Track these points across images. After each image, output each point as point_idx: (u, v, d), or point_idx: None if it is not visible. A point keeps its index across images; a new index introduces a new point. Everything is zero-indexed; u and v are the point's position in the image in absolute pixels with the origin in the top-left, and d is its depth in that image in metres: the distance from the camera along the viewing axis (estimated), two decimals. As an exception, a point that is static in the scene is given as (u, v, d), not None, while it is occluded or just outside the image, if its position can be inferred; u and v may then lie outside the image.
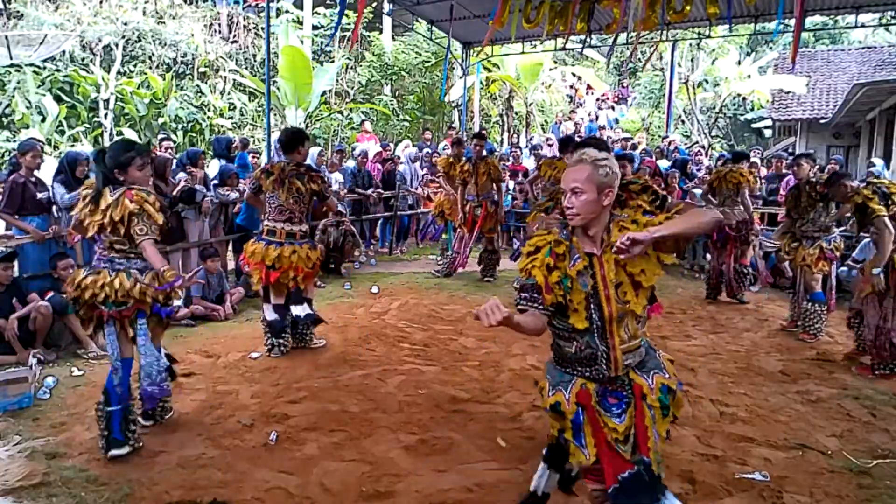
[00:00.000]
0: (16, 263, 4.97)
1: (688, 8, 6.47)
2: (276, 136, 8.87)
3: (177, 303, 5.78)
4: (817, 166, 6.43)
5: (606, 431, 2.07)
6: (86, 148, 10.73)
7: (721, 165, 7.07)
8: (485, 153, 7.59)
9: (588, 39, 9.72)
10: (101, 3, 14.84)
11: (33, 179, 5.29)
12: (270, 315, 4.73)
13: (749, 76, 16.99)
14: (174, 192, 6.10)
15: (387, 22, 16.08)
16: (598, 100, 20.31)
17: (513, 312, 1.90)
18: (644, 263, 2.02)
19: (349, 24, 13.73)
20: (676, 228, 1.97)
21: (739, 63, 17.49)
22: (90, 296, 3.07)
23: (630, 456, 2.05)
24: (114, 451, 3.11)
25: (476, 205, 7.45)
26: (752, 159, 9.38)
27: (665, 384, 2.11)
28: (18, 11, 13.77)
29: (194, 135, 13.68)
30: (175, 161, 6.85)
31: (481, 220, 7.46)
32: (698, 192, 8.83)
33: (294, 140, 4.52)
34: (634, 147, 12.14)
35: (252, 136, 13.51)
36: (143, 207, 3.04)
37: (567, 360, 2.13)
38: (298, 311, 4.78)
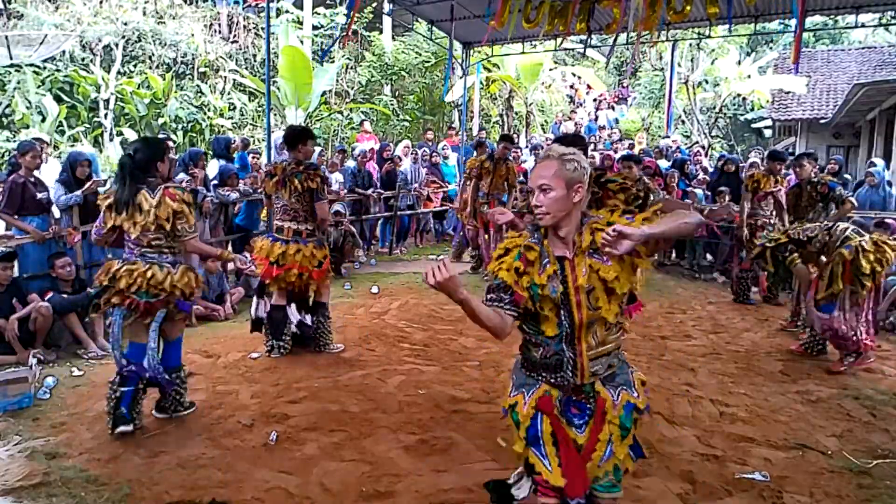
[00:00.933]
0: (16, 263, 4.98)
1: (688, 8, 6.48)
2: (276, 135, 8.88)
3: None
4: (817, 166, 6.41)
5: (570, 440, 1.99)
6: (86, 148, 10.73)
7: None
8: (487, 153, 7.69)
9: (588, 39, 9.73)
10: (101, 3, 14.83)
11: (33, 179, 5.28)
12: (259, 311, 4.73)
13: (749, 76, 16.98)
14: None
15: (387, 22, 16.07)
16: (596, 100, 20.30)
17: (471, 297, 1.83)
18: (619, 269, 1.93)
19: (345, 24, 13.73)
20: (665, 228, 1.89)
21: (739, 63, 17.48)
22: (125, 284, 3.22)
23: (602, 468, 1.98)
24: (121, 428, 3.28)
25: (484, 202, 7.57)
26: (752, 159, 9.39)
27: (631, 402, 2.01)
28: (18, 11, 13.76)
29: (194, 135, 13.67)
30: (176, 161, 6.85)
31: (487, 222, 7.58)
32: (699, 192, 8.83)
33: (296, 137, 4.52)
34: (632, 147, 12.16)
35: (252, 136, 13.51)
36: (183, 208, 3.27)
37: (533, 365, 2.05)
38: (308, 318, 4.76)
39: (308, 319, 4.75)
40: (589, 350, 1.97)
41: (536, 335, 2.02)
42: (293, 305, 4.71)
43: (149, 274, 3.23)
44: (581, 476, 1.96)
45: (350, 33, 11.56)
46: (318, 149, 9.66)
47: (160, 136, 8.80)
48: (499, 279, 1.99)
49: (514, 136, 16.04)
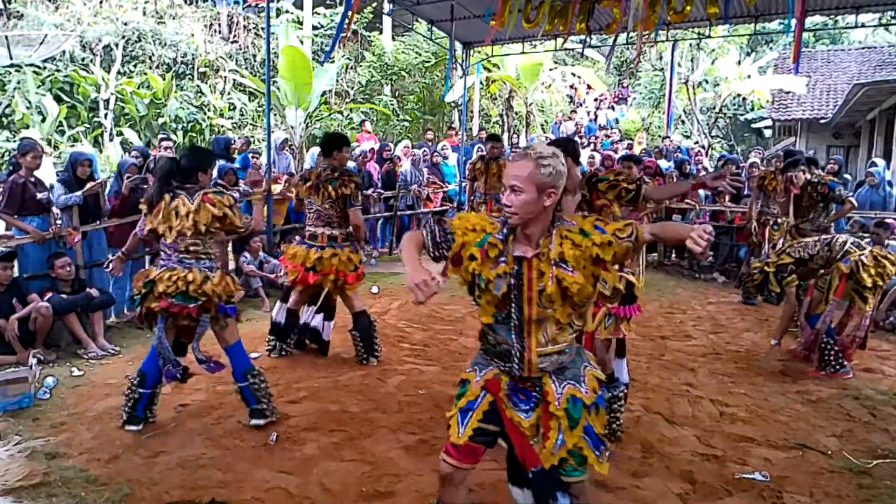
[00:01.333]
0: (16, 263, 4.98)
1: (688, 8, 6.47)
2: (276, 136, 8.88)
3: None
4: (819, 170, 6.41)
5: (515, 424, 2.09)
6: (86, 148, 10.73)
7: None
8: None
9: (588, 39, 9.72)
10: (101, 3, 14.83)
11: (33, 180, 5.28)
12: (279, 316, 4.70)
13: (749, 76, 16.98)
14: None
15: (387, 22, 16.08)
16: (597, 100, 20.31)
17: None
18: (583, 281, 1.96)
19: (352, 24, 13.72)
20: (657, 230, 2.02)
21: (739, 63, 17.48)
22: (163, 288, 3.23)
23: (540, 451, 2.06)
24: (131, 427, 3.42)
25: (481, 202, 7.70)
26: (752, 159, 9.39)
27: (577, 396, 2.05)
28: (18, 11, 13.76)
29: (194, 135, 13.67)
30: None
31: None
32: (700, 192, 8.83)
33: (330, 144, 4.47)
34: (631, 147, 12.16)
35: (252, 136, 13.50)
36: (225, 212, 3.29)
37: (487, 350, 2.15)
38: (328, 326, 4.78)
39: (329, 328, 4.77)
40: (538, 346, 2.03)
41: (485, 324, 2.11)
42: (311, 309, 4.71)
43: (189, 277, 3.24)
44: (530, 451, 2.08)
45: (350, 33, 11.54)
46: (317, 149, 9.65)
47: (160, 136, 8.77)
48: (452, 234, 2.06)
49: (514, 136, 16.09)
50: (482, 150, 8.05)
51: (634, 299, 3.36)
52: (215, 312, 3.39)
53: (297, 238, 4.73)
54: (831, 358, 4.54)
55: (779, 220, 6.37)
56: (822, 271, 4.70)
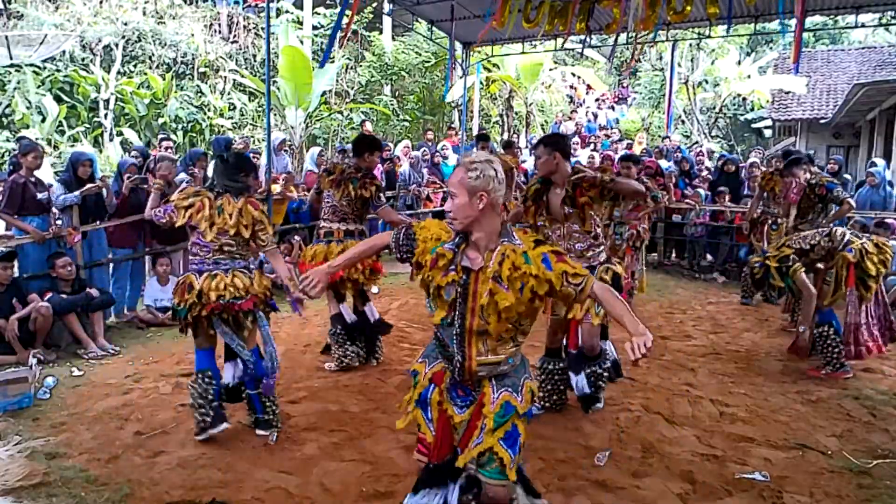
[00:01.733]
0: (15, 263, 4.98)
1: (688, 8, 6.47)
2: (276, 136, 8.89)
3: None
4: (815, 167, 6.40)
5: (447, 416, 2.18)
6: (86, 148, 10.73)
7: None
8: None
9: (588, 39, 9.73)
10: (101, 3, 14.83)
11: (33, 180, 5.28)
12: (350, 316, 4.61)
13: (749, 76, 16.98)
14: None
15: (387, 22, 16.07)
16: (598, 100, 20.31)
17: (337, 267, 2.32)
18: (514, 300, 2.00)
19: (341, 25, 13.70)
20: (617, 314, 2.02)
21: (739, 63, 17.48)
22: (216, 297, 3.21)
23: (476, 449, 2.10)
24: (259, 431, 3.42)
25: None
26: (752, 159, 9.38)
27: (511, 403, 2.10)
28: (18, 11, 13.76)
29: (194, 135, 13.67)
30: (179, 162, 6.84)
31: None
32: (701, 192, 8.83)
33: (363, 144, 4.51)
34: (630, 147, 12.13)
35: (252, 136, 13.50)
36: (263, 217, 3.34)
37: (436, 345, 2.24)
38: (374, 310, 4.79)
39: (374, 312, 4.79)
40: (478, 355, 2.09)
41: (435, 325, 2.19)
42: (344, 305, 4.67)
43: (237, 283, 3.26)
44: (447, 444, 2.19)
45: (349, 33, 11.55)
46: (317, 149, 9.66)
47: (160, 136, 8.78)
48: (414, 242, 2.15)
49: (515, 136, 16.09)
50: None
51: (621, 289, 3.42)
52: (265, 307, 3.44)
53: (315, 239, 4.70)
54: (834, 356, 4.51)
55: (778, 221, 6.37)
56: (820, 264, 4.70)
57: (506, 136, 16.46)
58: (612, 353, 3.98)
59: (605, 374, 3.76)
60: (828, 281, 4.66)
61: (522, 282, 2.00)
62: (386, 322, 4.87)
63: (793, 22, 6.55)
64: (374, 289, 7.00)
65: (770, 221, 6.46)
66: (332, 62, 14.24)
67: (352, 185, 4.38)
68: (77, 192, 5.38)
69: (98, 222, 5.67)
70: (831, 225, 4.87)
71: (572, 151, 11.43)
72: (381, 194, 4.51)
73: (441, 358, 2.23)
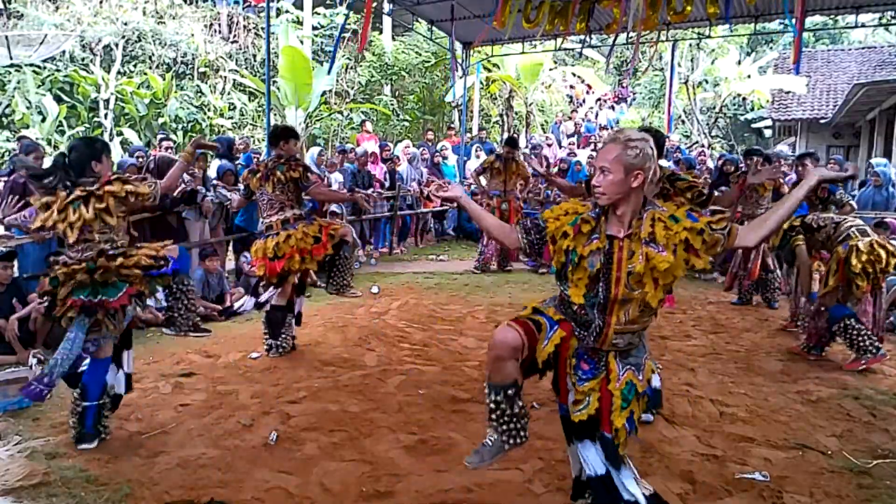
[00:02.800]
0: (15, 263, 4.97)
1: (688, 8, 6.47)
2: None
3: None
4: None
5: (569, 384, 2.24)
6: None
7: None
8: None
9: (588, 39, 9.73)
10: (101, 3, 14.84)
11: (33, 179, 5.28)
12: (247, 306, 4.90)
13: (749, 76, 16.98)
14: (176, 193, 6.09)
15: (387, 22, 16.07)
16: (599, 99, 20.30)
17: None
18: (672, 261, 2.04)
19: (350, 24, 13.71)
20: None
21: (739, 63, 17.48)
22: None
23: (580, 416, 2.20)
24: (83, 445, 3.20)
25: (503, 200, 8.05)
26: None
27: (632, 382, 2.18)
28: (18, 11, 13.77)
29: (194, 135, 13.67)
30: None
31: (510, 215, 7.98)
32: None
33: (277, 135, 4.63)
34: None
35: (252, 136, 13.51)
36: (126, 190, 3.12)
37: (566, 311, 2.24)
38: (301, 302, 4.88)
39: (300, 301, 4.91)
40: (617, 324, 2.13)
41: (567, 298, 2.19)
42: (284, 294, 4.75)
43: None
44: (566, 393, 2.27)
45: (350, 33, 11.55)
46: (318, 149, 9.66)
47: (160, 136, 8.78)
48: (544, 223, 2.19)
49: (515, 136, 16.10)
50: (500, 150, 8.23)
51: (669, 291, 3.41)
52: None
53: (261, 236, 4.79)
54: (865, 344, 4.52)
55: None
56: (822, 250, 4.78)
57: (505, 136, 16.47)
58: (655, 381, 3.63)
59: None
60: (829, 270, 4.69)
61: (675, 242, 2.04)
62: (300, 318, 4.98)
63: (792, 21, 6.54)
64: (375, 288, 7.01)
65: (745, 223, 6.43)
66: (338, 60, 14.25)
67: (279, 171, 4.46)
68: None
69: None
70: (845, 217, 4.90)
71: (572, 151, 11.42)
72: (309, 174, 4.59)
73: (571, 321, 2.22)
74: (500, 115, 17.25)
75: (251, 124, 15.10)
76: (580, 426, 2.24)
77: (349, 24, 13.69)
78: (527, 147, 12.75)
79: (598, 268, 2.08)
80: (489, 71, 15.31)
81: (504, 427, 2.29)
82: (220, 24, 16.44)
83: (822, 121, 15.03)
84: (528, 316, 2.26)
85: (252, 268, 4.58)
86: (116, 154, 11.14)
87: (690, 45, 16.94)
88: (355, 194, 5.45)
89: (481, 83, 15.22)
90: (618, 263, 2.06)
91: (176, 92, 13.85)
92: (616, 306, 2.10)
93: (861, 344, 4.55)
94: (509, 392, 2.23)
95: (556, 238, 2.16)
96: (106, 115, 12.69)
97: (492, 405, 2.28)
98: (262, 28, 14.02)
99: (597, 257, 2.08)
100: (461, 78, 11.63)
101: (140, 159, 6.45)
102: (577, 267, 2.11)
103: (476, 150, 11.16)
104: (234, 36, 16.44)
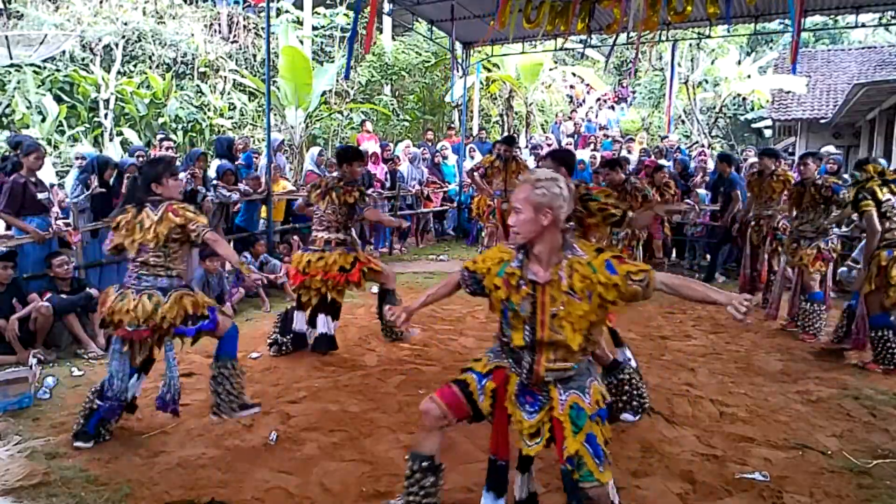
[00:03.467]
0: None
1: (689, 8, 6.47)
2: (276, 135, 8.89)
3: None
4: (821, 166, 6.42)
5: (514, 422, 2.29)
6: (86, 148, 10.72)
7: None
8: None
9: (588, 39, 9.74)
10: (101, 3, 14.84)
11: (34, 180, 5.28)
12: (299, 326, 4.82)
13: (749, 76, 16.97)
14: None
15: (387, 22, 16.07)
16: (599, 99, 20.29)
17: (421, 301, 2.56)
18: (588, 308, 2.11)
19: (348, 24, 13.71)
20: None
21: (739, 63, 17.47)
22: (117, 319, 3.18)
23: (533, 450, 2.25)
24: (78, 443, 3.23)
25: (503, 199, 7.89)
26: (751, 159, 9.37)
27: (580, 405, 2.17)
28: (18, 11, 13.76)
29: (194, 135, 13.67)
30: (180, 162, 6.86)
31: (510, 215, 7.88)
32: (702, 192, 8.82)
33: (341, 156, 4.75)
34: (630, 148, 12.06)
35: (252, 136, 13.50)
36: (187, 216, 3.20)
37: (503, 347, 2.34)
38: (333, 325, 4.89)
39: (333, 327, 4.88)
40: (547, 362, 2.19)
41: (503, 336, 2.30)
42: (305, 314, 4.82)
43: (139, 309, 3.13)
44: (505, 442, 2.36)
45: (363, 36, 11.55)
46: (317, 149, 9.67)
47: (160, 136, 8.78)
48: (478, 273, 2.31)
49: (515, 136, 16.09)
50: (498, 149, 8.12)
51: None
52: (171, 335, 3.29)
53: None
54: (890, 356, 4.54)
55: (760, 222, 6.38)
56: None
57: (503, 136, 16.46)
58: (632, 359, 3.82)
59: (633, 380, 3.55)
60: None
61: (590, 290, 2.11)
62: (332, 342, 4.89)
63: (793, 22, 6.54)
64: (374, 288, 6.99)
65: (753, 223, 6.47)
66: (332, 62, 14.26)
67: (335, 193, 4.61)
68: (80, 196, 5.40)
69: (97, 223, 5.67)
70: (832, 233, 4.90)
71: (572, 151, 11.46)
72: (365, 198, 4.75)
73: (506, 360, 2.32)
74: (500, 115, 17.25)
75: (251, 124, 15.09)
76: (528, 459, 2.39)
77: (349, 24, 13.70)
78: (527, 147, 12.74)
79: (529, 311, 2.16)
80: (489, 71, 15.31)
81: (410, 498, 2.40)
82: (220, 24, 16.43)
83: (822, 121, 15.02)
84: (455, 380, 2.38)
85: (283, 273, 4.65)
86: (116, 154, 11.16)
87: (690, 45, 16.93)
88: (401, 220, 5.58)
89: (481, 83, 15.22)
90: (541, 307, 2.14)
91: (176, 92, 13.85)
92: (544, 347, 2.17)
93: (888, 356, 4.56)
94: (423, 464, 2.36)
95: (491, 290, 2.27)
96: (106, 115, 12.69)
97: (407, 471, 2.41)
98: (262, 28, 14.02)
99: (527, 302, 2.16)
100: (461, 78, 11.63)
101: (140, 159, 6.46)
102: (515, 313, 2.19)
103: (470, 151, 11.14)
104: (234, 36, 16.44)
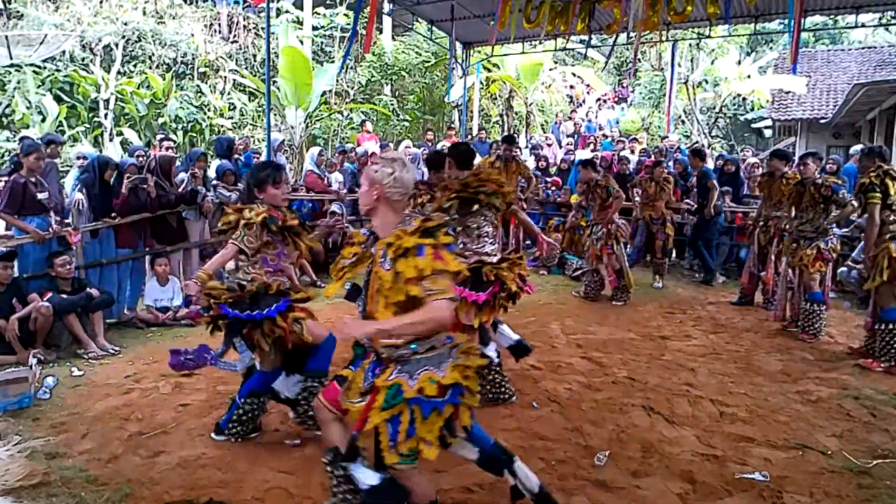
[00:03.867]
0: (15, 263, 4.97)
1: (689, 9, 6.47)
2: (276, 135, 8.89)
3: (177, 302, 5.79)
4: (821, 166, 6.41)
5: (351, 377, 2.36)
6: (86, 148, 10.72)
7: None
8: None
9: (588, 39, 9.73)
10: (101, 3, 14.84)
11: (34, 180, 5.28)
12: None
13: (749, 76, 16.97)
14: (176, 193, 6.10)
15: (387, 22, 16.07)
16: (599, 99, 20.29)
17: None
18: (390, 280, 2.12)
19: (348, 24, 13.71)
20: (390, 326, 2.10)
21: (739, 63, 17.47)
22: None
23: (356, 409, 2.27)
24: (213, 436, 3.37)
25: None
26: (751, 159, 9.37)
27: (399, 385, 2.14)
28: (18, 11, 13.77)
29: (194, 135, 13.67)
30: (180, 162, 6.86)
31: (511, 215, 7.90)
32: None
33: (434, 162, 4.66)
34: (633, 148, 12.05)
35: (252, 136, 13.50)
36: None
37: None
38: None
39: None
40: (380, 338, 2.21)
41: None
42: None
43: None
44: (334, 395, 2.42)
45: (363, 36, 11.55)
46: (317, 149, 9.66)
47: (160, 136, 8.79)
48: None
49: (515, 135, 16.09)
50: (499, 150, 8.10)
51: (486, 286, 3.55)
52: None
53: None
54: (893, 353, 4.56)
55: (769, 223, 6.38)
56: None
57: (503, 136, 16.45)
58: (509, 337, 3.99)
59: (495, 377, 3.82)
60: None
61: (393, 258, 2.12)
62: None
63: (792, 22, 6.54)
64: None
65: (761, 223, 6.47)
66: (332, 62, 14.26)
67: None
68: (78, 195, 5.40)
69: (98, 222, 5.67)
70: (832, 233, 4.87)
71: (571, 151, 11.40)
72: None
73: None
74: (500, 115, 17.24)
75: (251, 124, 15.09)
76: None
77: (349, 24, 13.70)
78: (527, 147, 12.73)
79: (363, 283, 2.29)
80: (489, 71, 15.31)
81: (333, 499, 2.45)
82: (220, 24, 16.43)
83: (822, 121, 15.01)
84: (336, 375, 2.47)
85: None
86: (116, 154, 11.16)
87: (690, 45, 16.93)
88: None
89: (481, 83, 15.21)
90: (372, 281, 2.23)
91: (176, 92, 13.85)
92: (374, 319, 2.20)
93: (893, 351, 4.56)
94: (333, 457, 2.40)
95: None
96: (106, 115, 12.69)
97: (327, 468, 2.47)
98: (262, 28, 14.03)
99: (365, 273, 2.29)
100: (461, 78, 11.63)
101: (140, 159, 6.46)
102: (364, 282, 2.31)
103: (494, 149, 11.10)
104: (234, 36, 16.44)
